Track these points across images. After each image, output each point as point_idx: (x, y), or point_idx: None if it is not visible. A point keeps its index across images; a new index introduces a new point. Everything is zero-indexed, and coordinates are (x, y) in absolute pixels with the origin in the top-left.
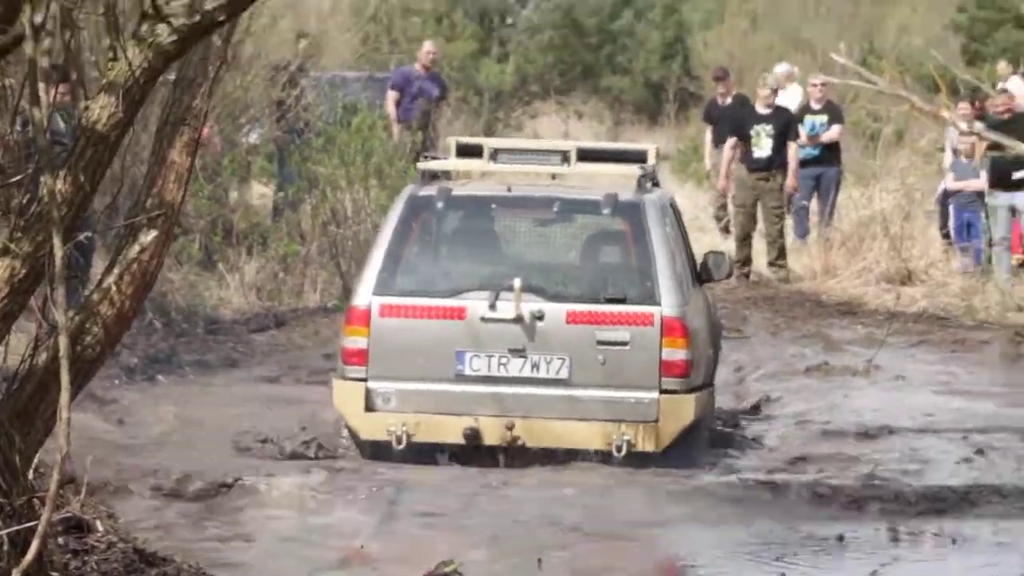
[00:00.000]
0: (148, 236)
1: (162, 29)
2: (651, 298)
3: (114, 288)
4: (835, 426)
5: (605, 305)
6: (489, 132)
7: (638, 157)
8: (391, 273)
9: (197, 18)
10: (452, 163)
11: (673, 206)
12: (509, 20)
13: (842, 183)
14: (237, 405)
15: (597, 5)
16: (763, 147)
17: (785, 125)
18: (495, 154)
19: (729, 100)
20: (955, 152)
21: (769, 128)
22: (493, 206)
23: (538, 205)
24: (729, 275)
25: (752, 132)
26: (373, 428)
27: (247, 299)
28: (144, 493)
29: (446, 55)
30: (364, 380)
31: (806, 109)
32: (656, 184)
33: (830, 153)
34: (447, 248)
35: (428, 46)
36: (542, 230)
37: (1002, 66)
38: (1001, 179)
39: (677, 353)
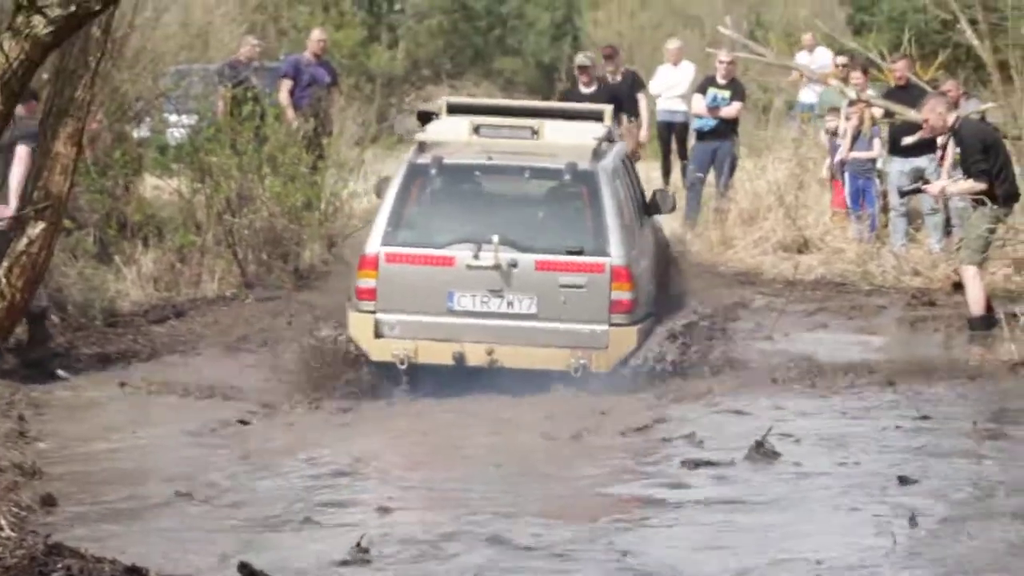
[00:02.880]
0: (36, 228)
1: (37, 20)
2: (603, 250)
3: (4, 280)
4: None
5: (566, 256)
6: (383, 118)
7: (597, 116)
8: (395, 227)
9: (73, 8)
10: (442, 134)
11: (627, 159)
12: (397, 6)
13: (738, 160)
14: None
15: None
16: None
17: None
18: (477, 129)
19: (619, 77)
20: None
21: None
22: (477, 173)
23: (513, 172)
24: (673, 209)
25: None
26: (381, 351)
27: (145, 291)
28: (54, 486)
29: (336, 43)
30: (373, 312)
31: (711, 81)
32: (612, 141)
33: (727, 128)
34: (439, 207)
35: (317, 34)
36: (516, 192)
37: (806, 37)
38: (896, 146)
39: (623, 295)
